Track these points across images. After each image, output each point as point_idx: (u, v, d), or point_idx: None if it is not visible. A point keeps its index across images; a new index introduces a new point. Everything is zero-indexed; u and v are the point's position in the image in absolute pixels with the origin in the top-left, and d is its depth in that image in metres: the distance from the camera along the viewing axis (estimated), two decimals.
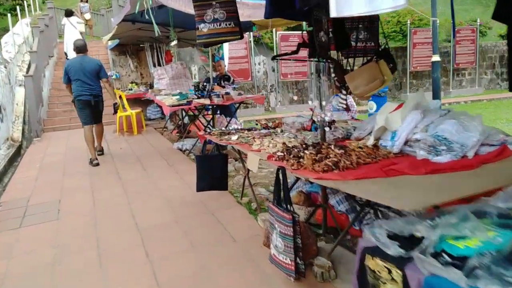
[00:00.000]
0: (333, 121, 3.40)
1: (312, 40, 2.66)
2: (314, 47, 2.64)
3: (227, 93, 5.47)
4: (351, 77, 2.78)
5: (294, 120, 4.15)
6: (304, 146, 2.86)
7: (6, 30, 12.59)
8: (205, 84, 6.76)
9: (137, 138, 7.91)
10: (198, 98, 5.46)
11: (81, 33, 11.78)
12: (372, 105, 9.81)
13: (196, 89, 6.45)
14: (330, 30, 2.98)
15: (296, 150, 2.77)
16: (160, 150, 6.69)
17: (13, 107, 9.05)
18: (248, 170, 4.05)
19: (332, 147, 2.78)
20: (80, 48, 6.20)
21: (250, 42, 12.90)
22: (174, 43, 6.59)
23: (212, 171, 4.20)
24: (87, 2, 14.01)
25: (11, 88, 9.10)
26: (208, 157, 4.25)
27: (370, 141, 2.79)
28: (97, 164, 5.99)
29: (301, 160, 2.59)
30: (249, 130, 4.15)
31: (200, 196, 4.27)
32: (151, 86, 10.67)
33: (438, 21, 7.26)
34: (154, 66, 10.53)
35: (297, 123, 4.03)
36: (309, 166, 2.45)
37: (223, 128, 4.25)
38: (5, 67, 8.92)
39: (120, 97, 8.39)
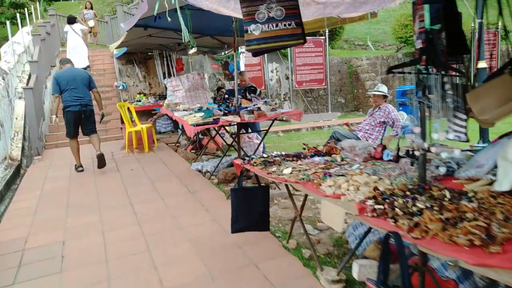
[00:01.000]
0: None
1: (432, 43, 1.81)
2: (435, 52, 1.79)
3: (258, 109, 4.63)
4: (475, 96, 1.93)
5: (353, 144, 3.31)
6: (407, 193, 2.02)
7: (7, 39, 11.82)
8: (226, 96, 5.94)
9: (149, 156, 7.07)
10: (225, 114, 4.63)
11: (84, 40, 11.01)
12: (402, 115, 8.97)
13: (219, 102, 5.63)
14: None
15: (399, 200, 1.92)
16: (176, 172, 5.84)
17: (12, 122, 8.23)
18: (301, 210, 3.21)
19: (448, 194, 1.94)
20: (66, 60, 6.49)
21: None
22: (193, 50, 5.78)
23: (252, 207, 3.37)
24: (91, 8, 13.25)
25: (10, 101, 8.29)
26: (247, 191, 3.41)
27: (503, 186, 1.94)
28: (82, 171, 6.21)
29: (415, 218, 1.75)
30: (297, 156, 3.32)
31: (234, 238, 3.43)
32: (160, 97, 9.86)
33: (483, 23, 6.53)
34: (164, 75, 9.71)
35: (360, 149, 3.19)
36: (440, 233, 1.60)
37: (263, 155, 3.41)
38: (3, 78, 8.10)
39: (129, 110, 7.57)
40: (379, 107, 5.53)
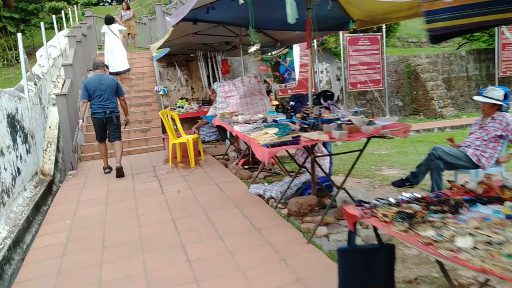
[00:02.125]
0: None
1: None
2: None
3: (349, 121, 3.46)
4: None
5: None
6: None
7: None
8: (292, 103, 4.80)
9: (196, 173, 6.03)
10: (302, 129, 3.47)
11: (122, 42, 10.19)
12: None
13: (288, 112, 4.50)
14: None
15: None
16: (232, 196, 4.75)
17: (44, 131, 7.43)
18: None
19: None
20: (98, 65, 6.33)
21: (313, 47, 10.84)
22: (254, 48, 4.68)
23: (369, 275, 2.23)
24: (129, 9, 12.46)
25: (42, 108, 7.50)
26: (363, 252, 2.26)
27: None
28: (109, 172, 6.28)
29: None
30: (443, 203, 2.13)
31: None
32: (204, 103, 8.86)
33: None
34: (208, 79, 8.71)
35: None
36: None
37: (390, 199, 2.24)
38: (35, 84, 7.31)
39: (173, 118, 6.58)
40: (492, 117, 4.22)
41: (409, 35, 16.28)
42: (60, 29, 12.54)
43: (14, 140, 5.44)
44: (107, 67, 6.82)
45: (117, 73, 9.83)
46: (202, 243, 3.56)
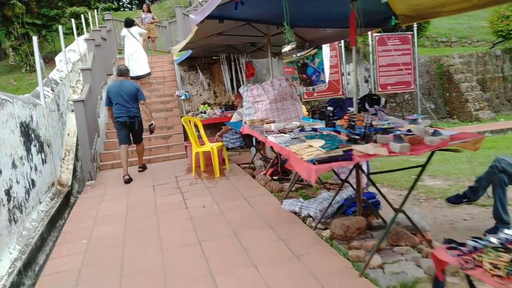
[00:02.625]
0: None
1: None
2: None
3: (409, 131, 2.90)
4: None
5: None
6: None
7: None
8: (331, 109, 4.25)
9: (221, 184, 5.53)
10: (351, 140, 2.93)
11: (142, 45, 9.83)
12: None
13: (323, 117, 3.97)
14: None
15: None
16: (263, 213, 4.23)
17: (62, 139, 7.08)
18: None
19: None
20: (122, 72, 6.51)
21: (340, 47, 10.26)
22: (289, 47, 4.16)
23: None
24: (149, 12, 12.13)
25: (60, 115, 7.15)
26: None
27: None
28: (128, 181, 6.08)
29: None
30: None
31: None
32: (227, 107, 8.39)
33: None
34: (232, 82, 8.24)
35: None
36: None
37: (490, 239, 1.68)
38: (53, 89, 6.97)
39: (196, 125, 6.12)
40: None
41: (438, 34, 15.48)
42: (80, 34, 12.30)
43: (28, 150, 5.06)
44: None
45: (137, 77, 9.46)
46: (233, 273, 3.04)
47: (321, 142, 2.78)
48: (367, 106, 3.85)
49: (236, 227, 3.91)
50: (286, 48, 4.32)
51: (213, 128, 8.15)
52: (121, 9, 29.10)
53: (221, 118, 7.79)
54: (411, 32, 10.61)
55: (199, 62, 8.48)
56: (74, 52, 10.33)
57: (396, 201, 4.55)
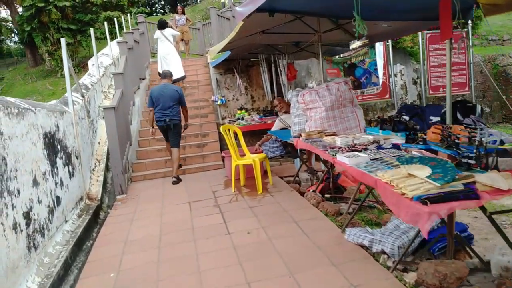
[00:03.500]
0: None
1: None
2: None
3: None
4: None
5: None
6: None
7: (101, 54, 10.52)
8: (406, 118, 3.43)
9: (266, 202, 4.79)
10: (461, 165, 2.12)
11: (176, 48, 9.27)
12: None
13: (397, 129, 3.16)
14: None
15: None
16: (321, 244, 3.45)
17: (93, 148, 6.55)
18: None
19: None
20: (166, 75, 6.55)
21: (388, 46, 9.31)
22: (359, 43, 3.38)
23: None
24: (183, 13, 11.59)
25: (90, 122, 6.63)
26: None
27: None
28: (176, 182, 6.12)
29: None
30: None
31: None
32: (265, 113, 7.66)
33: None
34: (271, 85, 7.50)
35: None
36: None
37: None
38: (83, 95, 6.45)
39: (236, 134, 5.42)
40: None
41: (489, 32, 14.18)
42: (113, 38, 11.92)
43: (53, 164, 4.50)
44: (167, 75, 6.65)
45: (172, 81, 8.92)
46: None
47: (427, 170, 1.99)
48: (459, 116, 3.00)
49: (291, 263, 3.16)
50: (355, 44, 3.53)
51: (250, 136, 7.45)
52: (154, 14, 29.00)
53: (260, 125, 7.07)
54: (466, 30, 9.54)
55: (237, 64, 7.79)
56: (107, 56, 9.90)
57: (485, 231, 3.70)
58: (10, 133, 3.49)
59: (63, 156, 4.90)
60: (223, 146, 7.55)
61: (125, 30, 13.31)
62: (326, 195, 4.82)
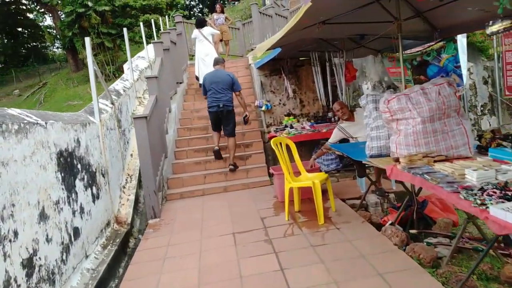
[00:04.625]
0: None
1: None
2: None
3: None
4: None
5: None
6: None
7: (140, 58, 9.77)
8: None
9: (331, 239, 3.67)
10: None
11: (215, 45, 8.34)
12: None
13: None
14: None
15: None
16: None
17: (124, 162, 5.69)
18: None
19: None
20: (218, 61, 6.27)
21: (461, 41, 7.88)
22: (499, 25, 2.23)
23: None
24: (222, 12, 10.67)
25: (121, 133, 5.77)
26: None
27: None
28: (217, 151, 6.05)
29: None
30: None
31: None
32: (317, 119, 6.53)
33: None
34: (325, 88, 6.37)
35: None
36: None
37: None
38: (113, 102, 5.60)
39: (288, 147, 4.36)
40: None
41: None
42: (149, 42, 11.20)
43: (71, 189, 3.61)
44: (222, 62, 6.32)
45: None
46: None
47: None
48: None
49: None
50: (495, 26, 2.37)
51: (300, 146, 6.37)
52: (193, 18, 28.52)
53: (313, 134, 5.96)
54: None
55: (284, 64, 6.72)
56: (143, 58, 9.12)
57: None
58: (5, 157, 2.59)
59: (85, 177, 4.02)
60: (268, 157, 6.51)
61: (162, 29, 12.58)
62: (411, 231, 3.65)
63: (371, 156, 3.43)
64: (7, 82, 21.89)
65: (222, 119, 5.97)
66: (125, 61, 16.96)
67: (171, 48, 7.84)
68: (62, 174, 3.48)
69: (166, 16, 15.27)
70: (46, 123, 3.28)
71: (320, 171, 5.08)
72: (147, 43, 9.42)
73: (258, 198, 5.19)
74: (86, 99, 16.10)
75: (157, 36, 11.79)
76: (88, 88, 17.07)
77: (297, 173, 4.54)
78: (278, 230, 4.01)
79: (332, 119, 6.67)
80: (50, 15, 21.54)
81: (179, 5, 21.72)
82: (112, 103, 5.58)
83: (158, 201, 4.98)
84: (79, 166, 3.90)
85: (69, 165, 3.67)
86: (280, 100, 6.98)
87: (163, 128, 6.25)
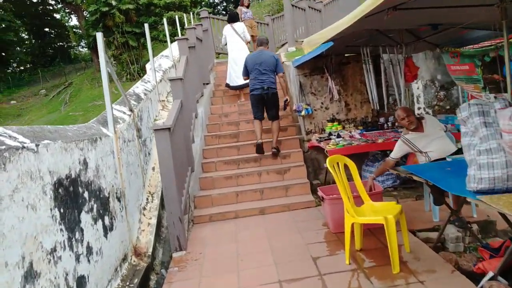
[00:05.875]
0: None
1: None
2: None
3: None
4: None
5: None
6: None
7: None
8: None
9: None
10: None
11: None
12: None
13: None
14: None
15: None
16: None
17: (144, 178, 4.83)
18: None
19: None
20: (262, 42, 5.93)
21: None
22: None
23: None
24: (248, 7, 9.72)
25: (142, 143, 4.91)
26: None
27: None
28: (260, 148, 5.61)
29: None
30: None
31: None
32: (367, 126, 5.50)
33: None
34: (379, 90, 5.31)
35: None
36: None
37: None
38: (131, 109, 4.74)
39: (346, 167, 3.37)
40: None
41: None
42: (173, 40, 10.37)
43: (73, 227, 2.75)
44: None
45: (241, 87, 7.13)
46: None
47: None
48: None
49: None
50: None
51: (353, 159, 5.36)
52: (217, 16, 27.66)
53: (366, 145, 4.93)
54: None
55: (328, 62, 5.71)
56: (167, 57, 8.29)
57: None
58: None
59: (94, 206, 3.16)
60: (307, 168, 5.54)
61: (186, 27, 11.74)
62: None
63: (479, 191, 2.41)
64: (34, 82, 21.70)
65: (266, 102, 5.64)
66: (149, 60, 16.28)
67: (197, 46, 6.94)
68: (61, 210, 2.61)
69: (191, 13, 14.45)
70: (37, 145, 2.41)
71: (382, 194, 4.05)
72: (171, 41, 8.59)
73: (303, 226, 4.22)
74: (113, 94, 15.54)
75: (181, 33, 10.98)
76: (113, 88, 16.51)
77: (356, 197, 3.55)
78: (339, 279, 3.02)
79: (385, 125, 5.62)
80: (75, 14, 21.16)
81: (203, 3, 20.95)
82: (131, 110, 4.72)
83: (184, 230, 4.08)
84: (85, 194, 3.03)
85: (72, 195, 2.80)
86: (322, 103, 5.97)
87: (189, 137, 5.35)
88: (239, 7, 9.73)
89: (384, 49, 5.11)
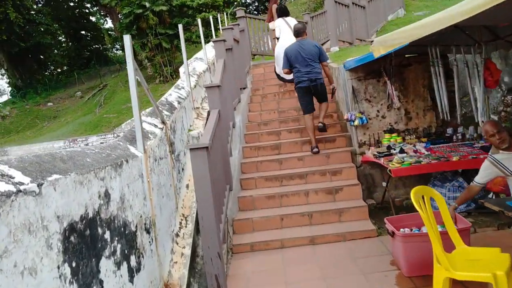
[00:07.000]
0: None
1: None
2: None
3: None
4: None
5: None
6: None
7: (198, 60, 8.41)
8: None
9: None
10: None
11: None
12: None
13: None
14: None
15: None
16: None
17: (177, 198, 4.21)
18: None
19: None
20: (299, 31, 5.51)
21: None
22: None
23: None
24: (276, 3, 9.00)
25: (175, 158, 4.30)
26: None
27: None
28: (317, 152, 5.23)
29: None
30: None
31: None
32: (433, 138, 4.65)
33: None
34: (452, 96, 4.45)
35: None
36: None
37: None
38: (163, 121, 4.13)
39: (423, 199, 2.57)
40: None
41: None
42: (207, 41, 9.81)
43: (89, 282, 2.14)
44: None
45: (289, 81, 6.60)
46: None
47: None
48: None
49: None
50: None
51: (415, 181, 4.57)
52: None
53: (438, 164, 4.07)
54: None
55: (387, 64, 4.90)
56: (201, 60, 7.69)
57: None
58: None
59: (117, 248, 2.55)
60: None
61: (221, 31, 11.15)
62: None
63: None
64: (70, 84, 21.88)
65: (315, 94, 5.40)
66: (182, 62, 15.89)
67: (234, 48, 6.29)
68: (73, 265, 2.00)
69: (225, 14, 13.89)
70: (40, 184, 1.80)
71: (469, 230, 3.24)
72: (205, 42, 8.01)
73: (366, 265, 3.46)
74: (143, 101, 15.28)
75: (215, 34, 10.39)
76: (143, 92, 16.24)
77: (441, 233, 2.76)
78: None
79: (454, 137, 4.76)
80: (110, 17, 21.16)
81: (235, 3, 20.39)
82: (163, 122, 4.11)
83: (223, 267, 3.42)
84: (106, 235, 2.42)
85: (88, 241, 2.19)
86: (378, 111, 5.16)
87: (226, 151, 4.70)
88: (272, 4, 9.00)
89: (458, 49, 4.25)
